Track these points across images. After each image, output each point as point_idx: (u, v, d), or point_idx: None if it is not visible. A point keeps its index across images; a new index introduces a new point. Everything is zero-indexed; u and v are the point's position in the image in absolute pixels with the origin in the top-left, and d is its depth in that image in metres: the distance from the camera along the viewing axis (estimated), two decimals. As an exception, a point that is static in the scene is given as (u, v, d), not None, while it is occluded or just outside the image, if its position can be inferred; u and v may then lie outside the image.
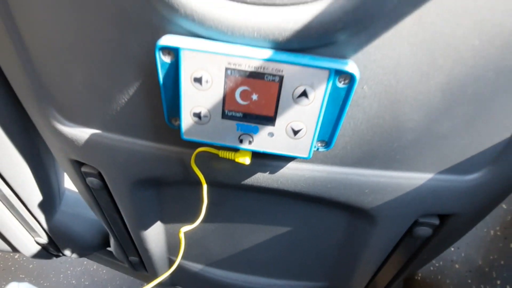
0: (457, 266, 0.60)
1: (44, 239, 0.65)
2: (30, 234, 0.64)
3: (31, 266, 1.32)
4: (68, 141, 0.39)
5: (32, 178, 0.54)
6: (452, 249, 0.63)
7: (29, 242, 0.66)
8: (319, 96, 0.25)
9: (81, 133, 0.37)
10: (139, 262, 0.64)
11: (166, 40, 0.25)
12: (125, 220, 0.51)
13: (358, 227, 0.44)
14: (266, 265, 0.56)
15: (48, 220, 0.62)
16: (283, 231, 0.48)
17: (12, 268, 1.31)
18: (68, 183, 0.66)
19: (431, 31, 0.24)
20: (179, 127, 0.30)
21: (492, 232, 0.52)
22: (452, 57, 0.25)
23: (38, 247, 0.68)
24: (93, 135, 0.37)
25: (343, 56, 0.25)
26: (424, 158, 0.33)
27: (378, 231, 0.42)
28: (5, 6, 0.29)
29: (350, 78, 0.24)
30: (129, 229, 0.53)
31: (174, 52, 0.25)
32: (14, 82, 0.37)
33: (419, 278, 0.72)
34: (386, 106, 0.28)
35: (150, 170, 0.39)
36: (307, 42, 0.24)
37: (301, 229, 0.48)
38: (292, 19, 0.23)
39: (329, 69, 0.24)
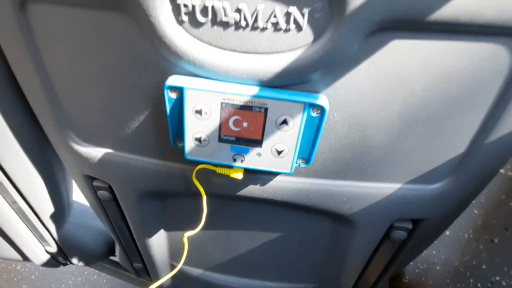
0: (438, 267, 0.66)
1: (53, 248, 0.71)
2: (41, 243, 0.70)
3: (33, 276, 1.36)
4: (83, 159, 0.45)
5: (46, 192, 0.59)
6: (434, 252, 0.69)
7: (39, 251, 0.71)
8: (297, 123, 0.31)
9: (96, 152, 0.44)
10: (142, 269, 0.69)
11: (173, 80, 0.31)
12: (131, 229, 0.56)
13: (341, 231, 0.50)
14: (261, 269, 0.62)
15: (58, 230, 0.67)
16: (275, 237, 0.54)
17: (15, 279, 1.35)
18: (75, 196, 0.72)
19: (384, 71, 0.30)
20: (182, 148, 0.36)
21: (466, 235, 0.58)
22: (404, 90, 0.31)
23: (48, 256, 0.73)
24: (106, 154, 0.43)
25: (316, 91, 0.31)
26: (392, 170, 0.39)
27: (358, 234, 0.48)
28: (35, 48, 0.35)
29: (321, 109, 0.31)
30: (135, 237, 0.58)
31: (179, 90, 0.31)
32: (36, 109, 0.43)
33: (406, 280, 0.78)
34: (355, 128, 0.35)
35: (157, 184, 0.45)
36: (286, 81, 0.30)
37: (291, 235, 0.53)
38: (273, 64, 0.29)
39: (304, 103, 0.30)
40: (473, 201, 0.56)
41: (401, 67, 0.30)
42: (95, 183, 0.49)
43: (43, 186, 0.58)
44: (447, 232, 0.64)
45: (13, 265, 1.39)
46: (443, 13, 0.25)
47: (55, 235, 0.68)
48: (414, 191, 0.41)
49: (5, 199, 0.58)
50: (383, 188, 0.41)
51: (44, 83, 0.38)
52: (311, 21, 0.27)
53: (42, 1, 0.31)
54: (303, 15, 0.26)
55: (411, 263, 0.77)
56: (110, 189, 0.49)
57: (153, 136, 0.39)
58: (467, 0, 0.25)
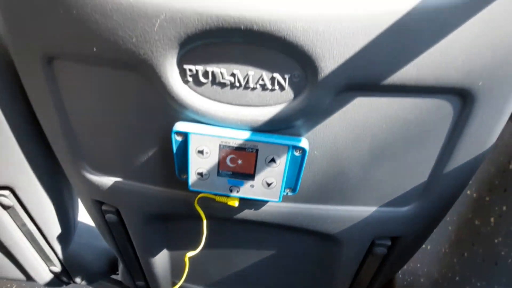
0: (422, 280, 0.74)
1: (58, 268, 0.77)
2: (45, 263, 0.76)
3: (27, 296, 1.41)
4: (94, 186, 0.53)
5: (54, 214, 0.66)
6: (419, 265, 0.77)
7: (43, 271, 0.77)
8: (283, 161, 0.40)
9: (106, 180, 0.51)
10: (145, 287, 0.76)
11: (179, 126, 0.39)
12: (136, 249, 0.64)
13: (328, 248, 0.58)
14: (256, 284, 0.69)
15: (63, 250, 0.74)
16: (269, 255, 0.62)
17: (9, 299, 1.40)
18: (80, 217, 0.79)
19: (352, 119, 0.38)
20: (186, 179, 0.44)
21: (443, 249, 0.66)
22: (370, 134, 0.40)
23: (51, 276, 0.80)
24: (116, 182, 0.51)
25: (299, 135, 0.40)
26: (367, 196, 0.47)
27: (344, 251, 0.56)
28: (58, 94, 0.42)
29: (302, 150, 0.39)
30: (139, 257, 0.66)
31: (184, 134, 0.39)
32: (53, 142, 0.51)
33: (395, 292, 0.86)
34: (333, 163, 0.43)
35: (161, 209, 0.52)
36: (273, 127, 0.38)
37: (284, 253, 0.61)
38: (262, 115, 0.38)
39: (288, 145, 0.38)
40: (448, 219, 0.64)
41: (365, 117, 0.38)
42: (104, 207, 0.57)
43: (52, 209, 0.65)
44: (428, 247, 0.72)
45: (8, 286, 1.43)
46: (392, 79, 0.34)
47: (60, 255, 0.74)
48: (388, 213, 0.50)
49: (15, 222, 0.65)
50: (362, 211, 0.49)
51: (62, 122, 0.46)
52: (291, 84, 0.35)
53: (68, 59, 0.39)
54: (284, 79, 0.35)
55: (400, 275, 0.85)
56: (117, 213, 0.57)
57: (160, 169, 0.47)
58: (409, 70, 0.33)
